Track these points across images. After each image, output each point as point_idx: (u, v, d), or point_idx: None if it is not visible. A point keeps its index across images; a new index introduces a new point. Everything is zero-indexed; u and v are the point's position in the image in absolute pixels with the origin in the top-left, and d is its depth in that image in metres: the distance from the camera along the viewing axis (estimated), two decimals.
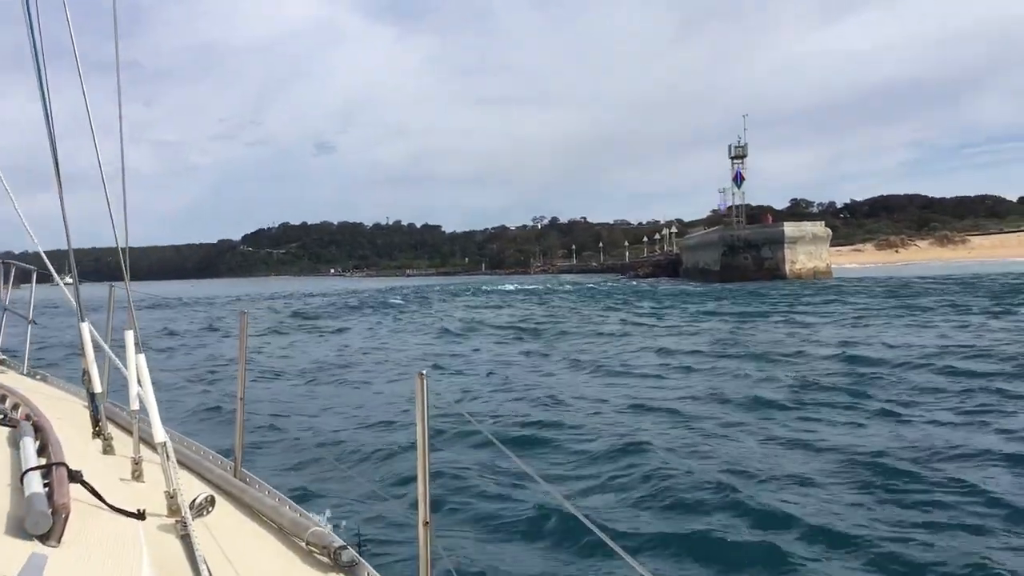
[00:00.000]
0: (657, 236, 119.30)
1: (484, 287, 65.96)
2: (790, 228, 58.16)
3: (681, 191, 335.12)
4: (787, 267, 57.02)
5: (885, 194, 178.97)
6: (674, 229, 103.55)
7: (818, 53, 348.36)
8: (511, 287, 62.99)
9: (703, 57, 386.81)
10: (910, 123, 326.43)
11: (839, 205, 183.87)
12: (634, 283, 61.77)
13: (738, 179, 64.41)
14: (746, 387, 11.03)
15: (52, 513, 1.69)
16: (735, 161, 64.90)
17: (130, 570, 1.63)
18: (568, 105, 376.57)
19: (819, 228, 59.84)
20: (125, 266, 2.44)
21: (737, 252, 60.00)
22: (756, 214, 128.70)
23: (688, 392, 10.84)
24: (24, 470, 1.93)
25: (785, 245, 57.11)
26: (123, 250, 2.39)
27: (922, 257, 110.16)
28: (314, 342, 20.48)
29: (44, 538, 1.65)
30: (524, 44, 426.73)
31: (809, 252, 58.84)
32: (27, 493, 1.78)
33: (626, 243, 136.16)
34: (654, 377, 12.40)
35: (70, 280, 3.01)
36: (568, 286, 63.15)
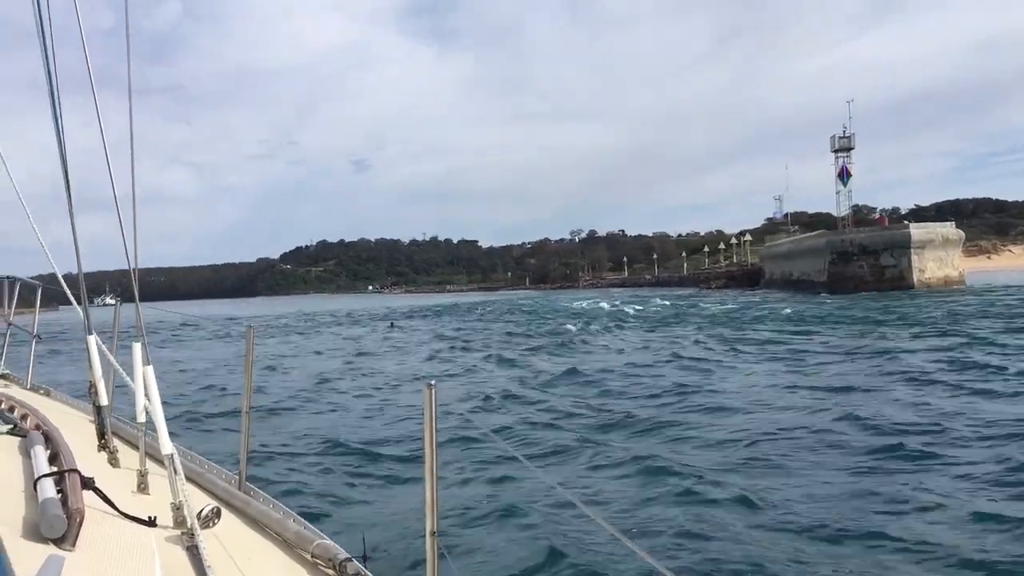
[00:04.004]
0: (721, 246, 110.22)
1: (579, 303, 54.19)
2: (918, 231, 49.38)
3: (720, 203, 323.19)
4: (915, 276, 48.27)
5: (952, 198, 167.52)
6: (747, 238, 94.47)
7: (857, 61, 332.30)
8: (609, 306, 48.30)
9: (737, 70, 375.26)
10: (954, 128, 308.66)
11: (904, 211, 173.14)
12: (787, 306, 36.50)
13: (844, 175, 55.53)
14: None
15: (67, 518, 1.69)
16: (839, 155, 56.04)
17: (145, 574, 1.65)
18: (601, 120, 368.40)
19: (950, 230, 50.91)
20: (134, 274, 2.38)
21: (850, 259, 51.34)
22: (813, 223, 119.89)
23: None
24: (37, 476, 1.93)
25: (912, 250, 48.39)
26: (133, 257, 2.35)
27: (1019, 264, 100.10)
28: None
29: (59, 542, 1.66)
30: (557, 60, 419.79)
31: (939, 258, 50.00)
32: (41, 498, 1.79)
33: (683, 254, 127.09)
34: None
35: (111, 301, 3.34)
36: (715, 307, 42.44)
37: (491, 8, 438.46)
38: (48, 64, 2.37)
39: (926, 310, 29.85)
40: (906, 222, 55.90)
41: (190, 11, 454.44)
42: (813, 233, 62.21)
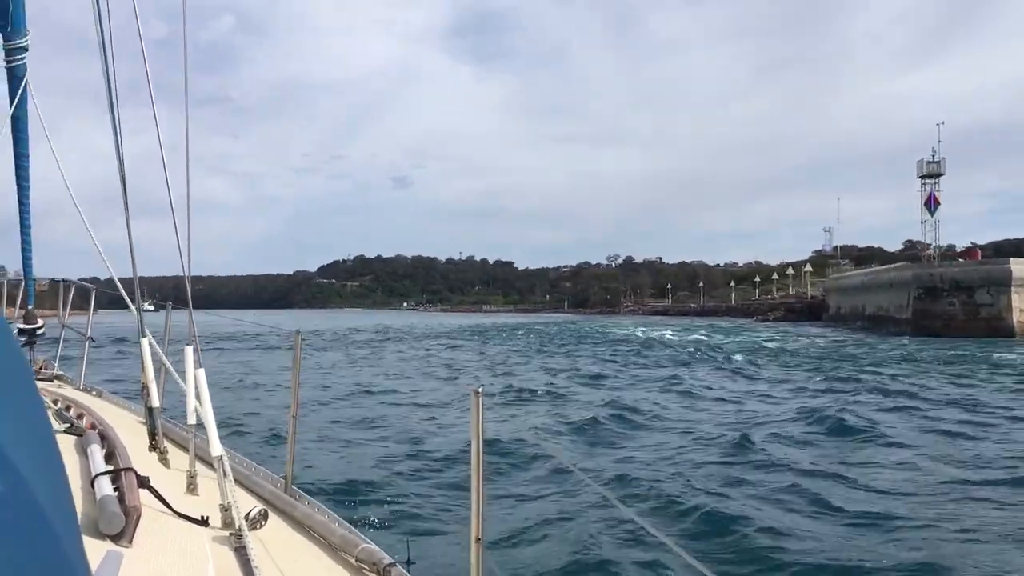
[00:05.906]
0: (775, 276, 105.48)
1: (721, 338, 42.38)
2: (1019, 266, 44.81)
3: (758, 233, 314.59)
4: (1014, 317, 43.69)
5: (1011, 237, 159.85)
6: (808, 268, 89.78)
7: (900, 97, 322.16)
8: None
9: (779, 102, 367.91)
10: (998, 168, 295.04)
11: (959, 249, 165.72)
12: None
13: (931, 204, 51.23)
14: None
15: (124, 515, 1.72)
16: (926, 180, 51.80)
17: (199, 574, 1.68)
18: (641, 146, 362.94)
19: None
20: (187, 276, 2.43)
21: (939, 296, 46.96)
22: (863, 257, 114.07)
23: None
24: (95, 474, 1.98)
25: (1013, 289, 43.86)
26: (185, 255, 2.46)
27: None
28: None
29: (116, 538, 1.69)
30: (599, 85, 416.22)
31: None
32: (99, 496, 1.83)
33: (731, 283, 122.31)
34: None
35: (148, 307, 3.35)
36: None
37: (536, 31, 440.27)
38: (108, 74, 2.46)
39: None
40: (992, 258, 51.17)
41: (243, 25, 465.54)
42: (894, 265, 57.80)
